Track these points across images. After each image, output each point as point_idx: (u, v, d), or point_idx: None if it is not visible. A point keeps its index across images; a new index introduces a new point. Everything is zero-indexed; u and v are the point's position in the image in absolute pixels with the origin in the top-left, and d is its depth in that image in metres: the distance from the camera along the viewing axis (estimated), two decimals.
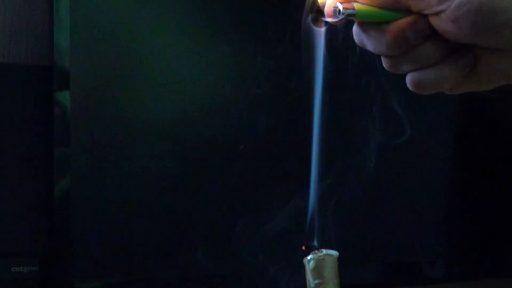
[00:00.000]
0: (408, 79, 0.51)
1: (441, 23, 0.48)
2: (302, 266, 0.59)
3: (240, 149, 1.02)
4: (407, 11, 0.49)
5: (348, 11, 0.49)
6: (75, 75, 0.94)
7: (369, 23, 0.50)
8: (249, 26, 1.04)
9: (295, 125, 1.02)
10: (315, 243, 0.61)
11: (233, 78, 1.04)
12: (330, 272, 0.58)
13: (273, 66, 1.04)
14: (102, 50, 0.96)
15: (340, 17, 0.49)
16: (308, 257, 0.58)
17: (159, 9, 0.99)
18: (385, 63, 0.52)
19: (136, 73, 0.98)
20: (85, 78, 0.95)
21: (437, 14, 0.48)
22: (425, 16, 0.49)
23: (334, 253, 0.59)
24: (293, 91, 1.02)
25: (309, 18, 0.52)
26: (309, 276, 0.58)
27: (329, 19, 0.50)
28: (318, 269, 0.58)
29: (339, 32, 0.53)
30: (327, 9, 0.50)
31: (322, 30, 0.53)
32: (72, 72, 0.93)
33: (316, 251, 0.59)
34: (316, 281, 0.58)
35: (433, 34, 0.49)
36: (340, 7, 0.49)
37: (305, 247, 0.60)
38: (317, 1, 0.51)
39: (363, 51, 0.53)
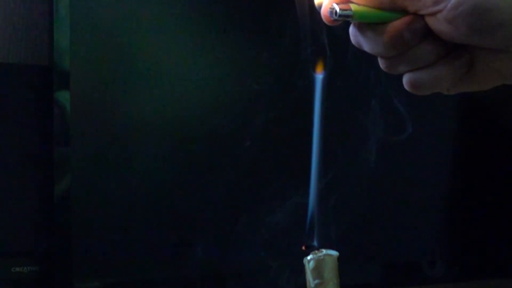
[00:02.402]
0: (405, 79, 0.51)
1: (437, 24, 0.48)
2: (302, 266, 0.59)
3: (245, 145, 1.02)
4: (404, 12, 0.49)
5: (345, 12, 0.49)
6: (75, 75, 0.94)
7: (365, 24, 0.50)
8: (250, 22, 1.04)
9: (295, 122, 1.02)
10: (315, 243, 0.61)
11: (233, 74, 1.04)
12: (330, 272, 0.58)
13: (273, 62, 1.04)
14: (102, 50, 0.96)
15: (337, 18, 0.49)
16: (308, 257, 0.59)
17: (158, 7, 0.99)
18: (381, 63, 0.52)
19: (136, 72, 0.98)
20: (85, 78, 0.95)
21: (433, 14, 0.48)
22: (422, 16, 0.49)
23: (334, 253, 0.59)
24: (293, 88, 1.02)
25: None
26: (309, 276, 0.59)
27: (325, 20, 0.50)
28: (318, 269, 0.58)
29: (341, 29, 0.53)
30: (324, 10, 0.50)
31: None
32: (72, 72, 0.93)
33: (316, 251, 0.59)
34: (316, 281, 0.58)
35: (429, 34, 0.49)
36: (337, 8, 0.49)
37: (305, 247, 0.60)
38: None
39: None
